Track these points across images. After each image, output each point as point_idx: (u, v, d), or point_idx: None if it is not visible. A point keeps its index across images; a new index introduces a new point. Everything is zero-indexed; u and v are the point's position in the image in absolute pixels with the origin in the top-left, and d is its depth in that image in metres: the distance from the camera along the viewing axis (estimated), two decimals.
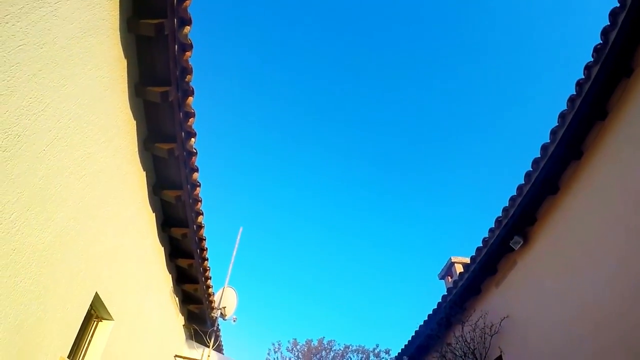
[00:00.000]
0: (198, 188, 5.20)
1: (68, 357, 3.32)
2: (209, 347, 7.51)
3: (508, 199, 6.13)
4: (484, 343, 6.94)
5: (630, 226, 4.47)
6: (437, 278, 11.42)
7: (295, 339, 7.47)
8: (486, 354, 6.93)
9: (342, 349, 7.35)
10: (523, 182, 5.77)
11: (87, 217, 3.42)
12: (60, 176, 2.92)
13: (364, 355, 7.33)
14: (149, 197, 4.89)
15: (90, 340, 4.06)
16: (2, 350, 2.39)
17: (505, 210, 6.24)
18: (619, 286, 4.59)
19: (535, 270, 6.28)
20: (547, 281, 5.92)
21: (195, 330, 7.58)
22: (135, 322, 4.95)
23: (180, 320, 7.14)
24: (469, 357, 7.13)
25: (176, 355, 7.01)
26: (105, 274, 3.95)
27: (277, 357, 7.32)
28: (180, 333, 7.28)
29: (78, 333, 3.56)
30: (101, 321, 4.20)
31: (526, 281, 6.48)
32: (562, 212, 5.74)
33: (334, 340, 7.47)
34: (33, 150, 2.55)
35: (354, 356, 7.36)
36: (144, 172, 4.63)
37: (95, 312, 4.08)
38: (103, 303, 3.95)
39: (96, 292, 3.76)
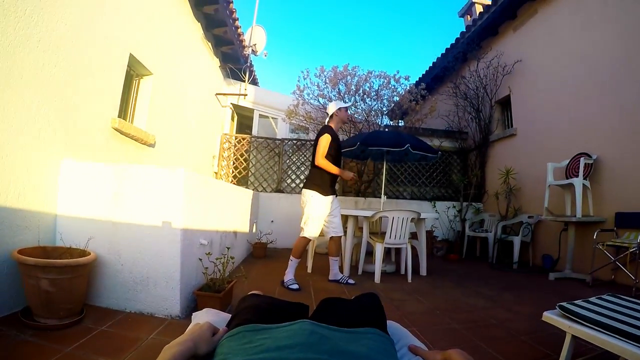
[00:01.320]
0: None
1: (119, 117, 3.93)
2: (244, 81, 8.27)
3: None
4: (496, 81, 7.38)
5: None
6: (457, 16, 11.04)
7: (322, 66, 7.80)
8: (496, 90, 7.43)
9: (365, 74, 7.67)
10: None
11: None
12: None
13: (386, 80, 7.72)
14: None
15: (136, 98, 4.72)
16: (59, 130, 2.95)
17: None
18: (636, 57, 4.60)
19: (554, 23, 6.13)
20: (565, 35, 5.86)
21: (230, 69, 8.20)
22: (174, 72, 5.50)
23: (216, 62, 7.67)
24: (480, 90, 7.66)
25: (217, 93, 7.85)
26: (135, 35, 4.27)
27: (307, 83, 7.84)
28: (218, 74, 7.93)
29: (124, 95, 4.16)
30: (142, 78, 4.77)
31: (544, 31, 6.37)
32: None
33: (358, 66, 7.79)
34: None
35: (376, 81, 7.76)
36: None
37: (135, 71, 4.60)
38: (139, 61, 4.40)
39: (130, 53, 4.17)
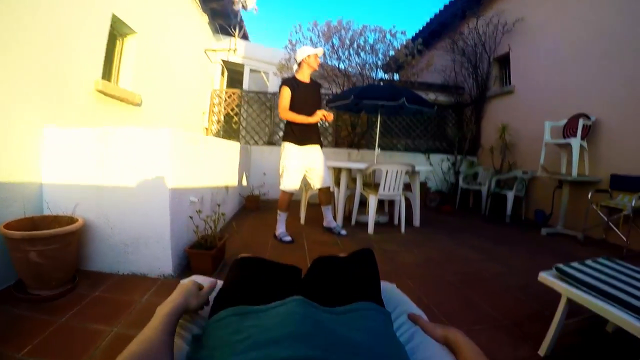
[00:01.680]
0: None
1: (103, 78, 3.73)
2: (234, 37, 7.93)
3: None
4: (495, 38, 7.14)
5: None
6: None
7: (315, 20, 7.53)
8: (495, 48, 7.19)
9: (360, 28, 7.40)
10: None
11: None
12: None
13: (381, 34, 7.44)
14: None
15: (120, 58, 4.47)
16: (40, 95, 2.78)
17: None
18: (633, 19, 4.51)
19: None
20: None
21: (220, 25, 7.82)
22: (160, 30, 5.22)
23: (205, 18, 7.33)
24: (479, 47, 7.40)
25: (206, 50, 7.54)
26: None
27: (299, 38, 7.55)
28: (207, 30, 7.61)
29: (107, 56, 3.93)
30: (126, 37, 4.50)
31: None
32: None
33: (352, 20, 7.50)
34: None
35: (371, 35, 7.48)
36: None
37: (118, 32, 4.34)
38: (122, 21, 4.15)
39: (113, 14, 3.93)
